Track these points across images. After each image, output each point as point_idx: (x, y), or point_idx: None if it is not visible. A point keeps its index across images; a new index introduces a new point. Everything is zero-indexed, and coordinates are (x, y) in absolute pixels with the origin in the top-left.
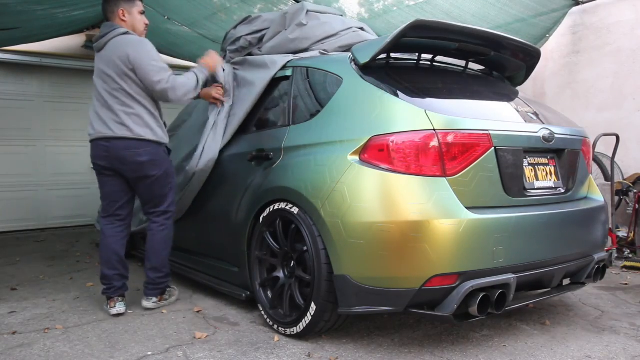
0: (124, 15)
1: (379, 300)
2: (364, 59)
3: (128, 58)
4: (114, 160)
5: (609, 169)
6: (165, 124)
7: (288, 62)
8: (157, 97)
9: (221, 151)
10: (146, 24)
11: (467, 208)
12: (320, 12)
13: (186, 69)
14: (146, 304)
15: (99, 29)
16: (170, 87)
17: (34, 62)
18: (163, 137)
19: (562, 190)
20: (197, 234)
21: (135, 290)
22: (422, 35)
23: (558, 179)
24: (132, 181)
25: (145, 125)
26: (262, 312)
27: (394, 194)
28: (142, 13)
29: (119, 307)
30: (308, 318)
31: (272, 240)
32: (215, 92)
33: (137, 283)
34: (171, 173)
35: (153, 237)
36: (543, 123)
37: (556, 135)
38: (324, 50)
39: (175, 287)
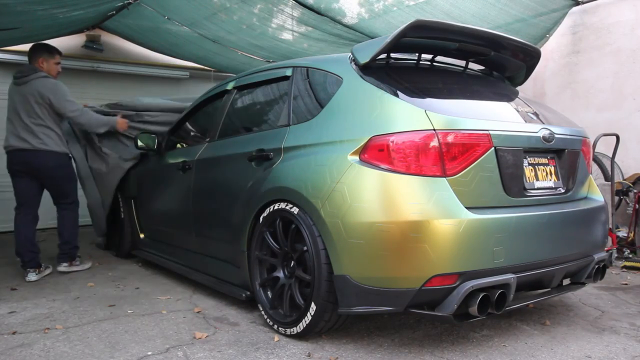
0: (42, 63)
1: (379, 300)
2: (364, 59)
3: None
4: (30, 165)
5: (609, 169)
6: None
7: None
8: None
9: (221, 151)
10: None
11: (467, 208)
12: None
13: (186, 69)
14: (60, 268)
15: (99, 29)
16: (78, 115)
17: None
18: (64, 148)
19: (562, 190)
20: (197, 233)
21: (135, 289)
22: (422, 35)
23: (558, 179)
24: (43, 180)
25: (51, 139)
26: (262, 312)
27: (394, 194)
28: (58, 64)
29: (30, 277)
30: (308, 318)
31: (272, 240)
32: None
33: (137, 282)
34: (73, 175)
35: (66, 218)
36: (543, 123)
37: (556, 135)
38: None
39: (87, 261)
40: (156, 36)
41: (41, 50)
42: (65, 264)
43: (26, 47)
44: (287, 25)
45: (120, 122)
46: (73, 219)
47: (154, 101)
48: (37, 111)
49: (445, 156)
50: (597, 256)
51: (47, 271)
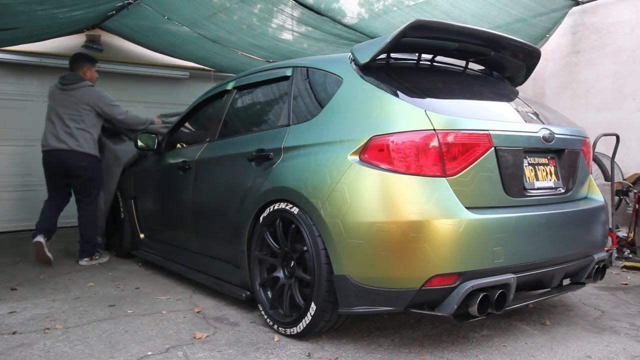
0: (86, 72)
1: (379, 300)
2: (364, 58)
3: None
4: (64, 164)
5: (609, 169)
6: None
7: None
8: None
9: (221, 151)
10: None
11: (467, 208)
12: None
13: (186, 69)
14: (81, 262)
15: (99, 29)
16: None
17: (34, 62)
18: (96, 151)
19: (562, 190)
20: (197, 233)
21: (135, 289)
22: (422, 35)
23: (558, 179)
24: (73, 179)
25: (87, 142)
26: (262, 312)
27: (394, 194)
28: (96, 71)
29: (39, 238)
30: (308, 318)
31: (272, 240)
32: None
33: (137, 282)
34: (100, 177)
35: (86, 218)
36: (543, 123)
37: (556, 135)
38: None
39: (106, 253)
40: (156, 36)
41: (85, 60)
42: (86, 259)
43: (26, 47)
44: (287, 25)
45: (156, 120)
46: (93, 219)
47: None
48: (83, 117)
49: (445, 156)
50: (597, 256)
51: (50, 255)
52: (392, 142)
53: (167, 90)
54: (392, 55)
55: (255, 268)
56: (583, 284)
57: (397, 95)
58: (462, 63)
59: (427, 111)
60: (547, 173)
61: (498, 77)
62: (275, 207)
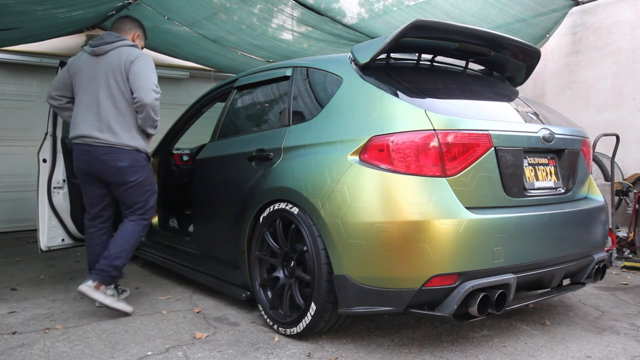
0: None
1: (379, 300)
2: (364, 58)
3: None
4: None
5: (609, 169)
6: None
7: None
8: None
9: (221, 151)
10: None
11: (467, 208)
12: None
13: (186, 69)
14: (81, 287)
15: (99, 29)
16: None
17: (34, 62)
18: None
19: (562, 191)
20: (197, 233)
21: (135, 289)
22: (422, 35)
23: (558, 179)
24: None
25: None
26: (262, 312)
27: (394, 194)
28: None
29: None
30: (308, 318)
31: (272, 241)
32: None
33: (137, 282)
34: (150, 180)
35: (123, 226)
36: (543, 123)
37: (556, 135)
38: None
39: (127, 290)
40: (156, 36)
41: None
42: (89, 283)
43: (26, 47)
44: (287, 25)
45: None
46: (132, 232)
47: None
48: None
49: (445, 156)
50: (597, 256)
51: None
52: (392, 142)
53: (167, 90)
54: (392, 55)
55: (255, 268)
56: (583, 284)
57: (397, 95)
58: (462, 63)
59: (427, 111)
60: (547, 173)
61: (498, 77)
62: (275, 207)
